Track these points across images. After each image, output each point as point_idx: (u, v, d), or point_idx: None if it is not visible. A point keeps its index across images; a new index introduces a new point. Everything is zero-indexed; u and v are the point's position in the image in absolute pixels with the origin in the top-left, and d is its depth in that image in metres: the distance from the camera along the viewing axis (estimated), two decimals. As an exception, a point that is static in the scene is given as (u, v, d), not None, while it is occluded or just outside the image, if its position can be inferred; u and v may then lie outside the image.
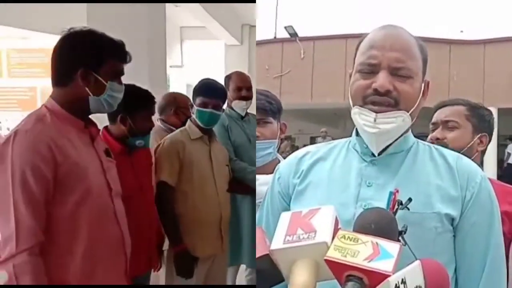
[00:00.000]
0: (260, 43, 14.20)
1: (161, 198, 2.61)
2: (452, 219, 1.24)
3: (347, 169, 1.34)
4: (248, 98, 3.35)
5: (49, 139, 1.58)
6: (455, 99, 2.03)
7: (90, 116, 1.81)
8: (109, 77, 1.73)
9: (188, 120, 2.83)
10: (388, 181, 1.28)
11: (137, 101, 2.34)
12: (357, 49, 1.34)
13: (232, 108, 3.35)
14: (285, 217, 1.09)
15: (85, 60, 1.68)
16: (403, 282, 0.93)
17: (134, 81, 2.22)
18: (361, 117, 1.27)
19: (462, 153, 1.39)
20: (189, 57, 9.61)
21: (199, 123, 2.74)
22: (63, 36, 1.72)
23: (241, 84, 3.36)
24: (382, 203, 1.12)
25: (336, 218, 1.06)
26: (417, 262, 0.98)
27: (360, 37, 1.35)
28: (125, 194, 1.90)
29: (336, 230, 1.03)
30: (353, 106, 1.29)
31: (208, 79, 2.90)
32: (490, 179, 1.38)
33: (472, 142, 1.94)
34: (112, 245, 1.78)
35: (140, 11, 3.38)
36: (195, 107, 2.72)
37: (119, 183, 1.86)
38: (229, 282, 3.26)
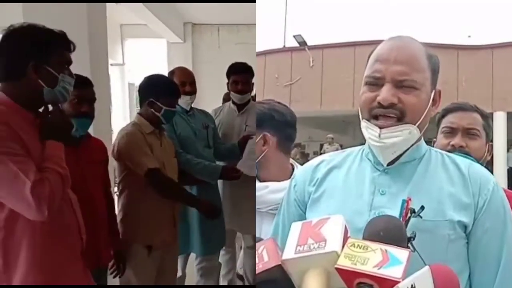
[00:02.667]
0: (269, 52, 14.30)
1: (159, 183, 2.66)
2: (464, 226, 1.25)
3: (361, 178, 1.36)
4: (192, 92, 3.38)
5: (7, 122, 1.59)
6: (466, 104, 1.98)
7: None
8: (59, 67, 1.76)
9: (137, 115, 2.85)
10: (401, 189, 1.29)
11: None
12: (367, 60, 1.36)
13: None
14: (295, 227, 1.11)
15: (34, 53, 1.71)
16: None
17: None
18: (368, 131, 1.30)
19: (479, 163, 1.38)
20: (131, 56, 9.36)
21: (163, 120, 2.78)
22: (5, 33, 1.73)
23: (185, 79, 3.38)
24: (395, 211, 1.14)
25: (346, 226, 1.08)
26: (426, 268, 0.99)
27: (368, 44, 1.38)
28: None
29: (346, 238, 1.05)
30: (362, 118, 1.32)
31: (167, 77, 2.94)
32: None
33: (485, 152, 1.93)
34: (69, 228, 1.82)
35: (80, 9, 3.24)
36: (164, 108, 2.74)
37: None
38: (179, 271, 3.27)
